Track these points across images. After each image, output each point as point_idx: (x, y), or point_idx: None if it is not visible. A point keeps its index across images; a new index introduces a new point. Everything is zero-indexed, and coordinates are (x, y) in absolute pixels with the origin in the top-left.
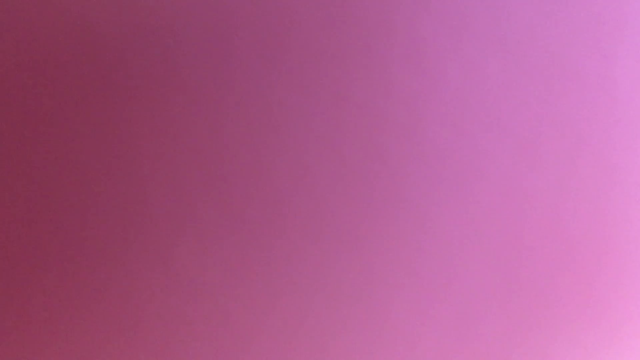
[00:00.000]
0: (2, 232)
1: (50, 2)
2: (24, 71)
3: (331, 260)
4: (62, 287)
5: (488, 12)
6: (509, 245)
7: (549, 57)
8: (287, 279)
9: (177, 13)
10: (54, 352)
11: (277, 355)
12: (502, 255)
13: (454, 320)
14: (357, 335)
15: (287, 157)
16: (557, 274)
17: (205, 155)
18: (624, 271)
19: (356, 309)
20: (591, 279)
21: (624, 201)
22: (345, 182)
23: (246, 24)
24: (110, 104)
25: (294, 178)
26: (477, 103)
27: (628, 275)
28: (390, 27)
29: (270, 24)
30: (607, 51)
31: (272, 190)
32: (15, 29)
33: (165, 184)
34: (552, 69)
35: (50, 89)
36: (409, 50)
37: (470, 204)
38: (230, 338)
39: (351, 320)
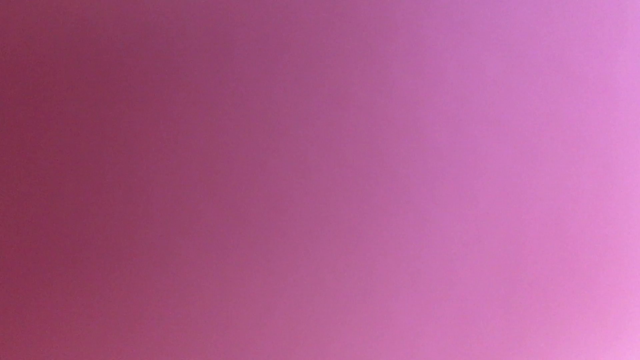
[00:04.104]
0: (3, 233)
1: (50, 2)
2: (24, 71)
3: (332, 260)
4: (63, 287)
5: (488, 12)
6: (510, 245)
7: (549, 57)
8: (287, 279)
9: (177, 13)
10: (54, 352)
11: (277, 355)
12: (503, 255)
13: (454, 320)
14: (358, 335)
15: (287, 157)
16: (557, 274)
17: (205, 155)
18: (624, 271)
19: (357, 309)
20: (591, 279)
21: (624, 201)
22: (345, 182)
23: (246, 24)
24: (111, 104)
25: (294, 178)
26: (477, 103)
27: (628, 275)
28: (390, 26)
29: (270, 23)
30: (607, 51)
31: (272, 190)
32: (15, 29)
33: (166, 184)
34: (552, 69)
35: (50, 89)
36: (409, 50)
37: (471, 204)
38: (230, 338)
39: (352, 320)
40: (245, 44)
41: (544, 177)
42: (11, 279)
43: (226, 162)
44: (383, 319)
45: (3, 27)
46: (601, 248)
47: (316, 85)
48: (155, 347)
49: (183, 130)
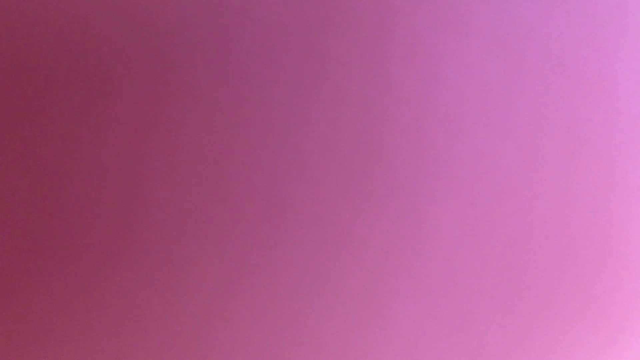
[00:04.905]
0: (2, 233)
1: (50, 2)
2: (24, 71)
3: (331, 260)
4: (63, 287)
5: (488, 11)
6: (509, 245)
7: (549, 57)
8: (287, 278)
9: (177, 13)
10: (54, 352)
11: (277, 355)
12: (502, 255)
13: (454, 320)
14: (357, 335)
15: (287, 157)
16: (557, 274)
17: (205, 155)
18: (624, 271)
19: (356, 309)
20: (591, 279)
21: (624, 201)
22: (345, 182)
23: (246, 23)
24: (110, 104)
25: (294, 178)
26: (477, 103)
27: (628, 275)
28: (390, 26)
29: (269, 23)
30: (607, 51)
31: (272, 190)
32: (16, 29)
33: (166, 183)
34: (552, 69)
35: (50, 89)
36: (409, 49)
37: (470, 204)
38: (231, 338)
39: (351, 320)
40: (245, 44)
41: (544, 177)
42: (10, 278)
43: (225, 162)
44: (383, 319)
45: (3, 27)
46: (601, 248)
47: (315, 84)
48: (155, 347)
49: (183, 129)
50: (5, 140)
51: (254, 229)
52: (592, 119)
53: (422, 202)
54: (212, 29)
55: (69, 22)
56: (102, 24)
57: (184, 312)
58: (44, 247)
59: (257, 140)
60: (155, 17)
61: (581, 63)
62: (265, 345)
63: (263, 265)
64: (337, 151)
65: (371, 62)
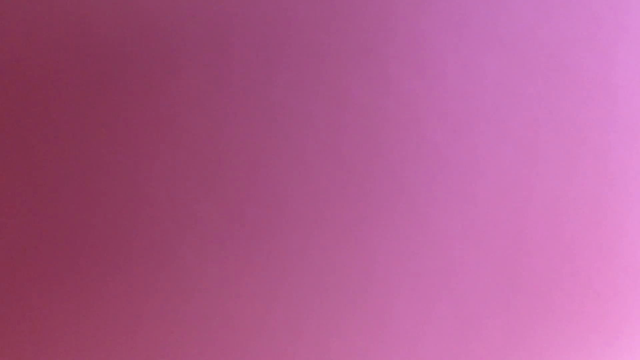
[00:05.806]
0: (2, 232)
1: (50, 2)
2: (24, 71)
3: (331, 260)
4: (62, 287)
5: (488, 11)
6: (509, 245)
7: (549, 57)
8: (287, 278)
9: (177, 13)
10: (55, 352)
11: (277, 355)
12: (502, 255)
13: (454, 319)
14: (357, 335)
15: (287, 157)
16: (557, 274)
17: (205, 155)
18: (624, 271)
19: (356, 309)
20: (591, 279)
21: (624, 201)
22: (344, 182)
23: (245, 23)
24: (110, 104)
25: (293, 178)
26: (477, 103)
27: (628, 275)
28: (390, 26)
29: (269, 23)
30: (607, 51)
31: (272, 190)
32: (16, 29)
33: (166, 183)
34: (552, 69)
35: (50, 89)
36: (409, 49)
37: (470, 204)
38: (231, 338)
39: (351, 320)
40: (245, 44)
41: (544, 177)
42: (9, 278)
43: (225, 162)
44: (383, 319)
45: (3, 27)
46: (601, 247)
47: (315, 84)
48: (155, 347)
49: (182, 129)
50: (5, 140)
51: (254, 228)
52: (592, 119)
53: (422, 202)
54: (212, 29)
55: (68, 22)
56: (101, 23)
57: (183, 312)
58: (44, 247)
59: (257, 140)
60: (155, 17)
61: (581, 63)
62: (265, 345)
63: (263, 265)
64: (337, 151)
65: (371, 62)
